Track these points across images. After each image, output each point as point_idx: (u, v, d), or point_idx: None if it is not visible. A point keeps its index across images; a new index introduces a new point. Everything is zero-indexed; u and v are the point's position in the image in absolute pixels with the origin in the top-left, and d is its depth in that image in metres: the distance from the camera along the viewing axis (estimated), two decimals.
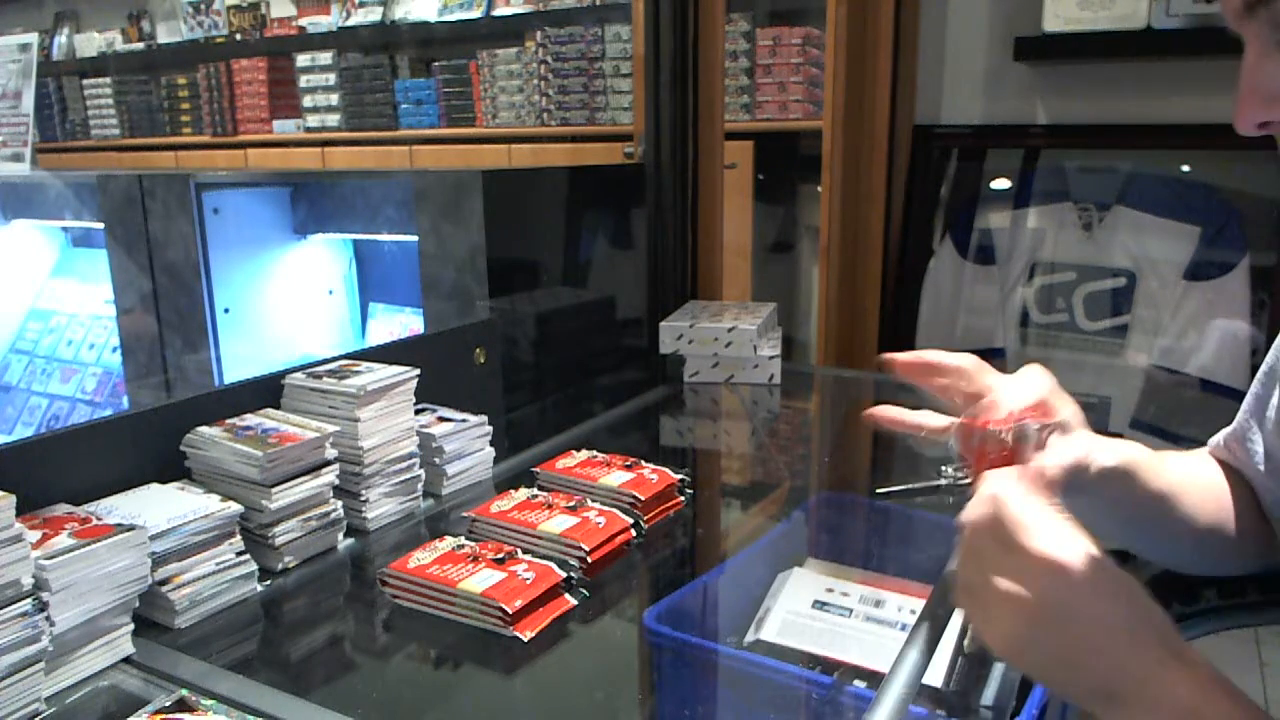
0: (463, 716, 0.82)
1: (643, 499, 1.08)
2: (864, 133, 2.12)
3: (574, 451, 1.21)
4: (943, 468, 1.12)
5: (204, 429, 1.01)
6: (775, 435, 1.57)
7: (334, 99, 3.85)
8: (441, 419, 1.19)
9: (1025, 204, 2.07)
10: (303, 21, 3.93)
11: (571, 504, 1.05)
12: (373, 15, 3.74)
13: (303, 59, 3.89)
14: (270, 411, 1.09)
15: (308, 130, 3.93)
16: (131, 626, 0.83)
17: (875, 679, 0.72)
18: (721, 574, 0.98)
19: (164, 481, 0.98)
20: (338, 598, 0.99)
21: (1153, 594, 0.94)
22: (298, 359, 1.31)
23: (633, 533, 1.03)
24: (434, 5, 3.61)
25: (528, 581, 0.89)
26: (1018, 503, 0.57)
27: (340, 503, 1.04)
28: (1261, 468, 0.86)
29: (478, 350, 1.40)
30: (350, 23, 3.79)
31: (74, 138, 4.69)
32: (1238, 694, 0.52)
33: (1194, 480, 0.86)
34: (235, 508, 0.93)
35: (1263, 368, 0.87)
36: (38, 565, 0.75)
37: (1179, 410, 1.89)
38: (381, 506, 1.10)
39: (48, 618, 0.75)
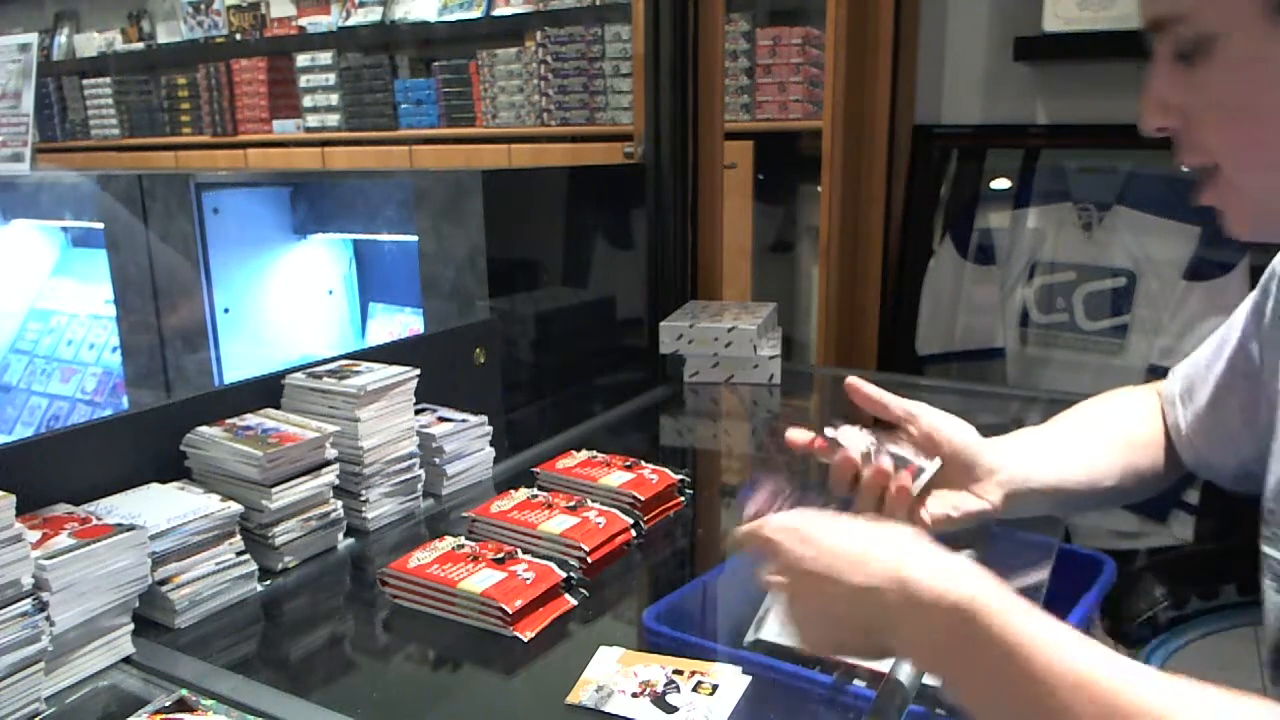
0: (463, 716, 0.82)
1: (643, 499, 1.08)
2: (864, 133, 2.12)
3: (574, 451, 1.21)
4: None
5: (204, 429, 1.01)
6: (775, 435, 1.57)
7: (334, 99, 3.85)
8: (441, 419, 1.19)
9: (1025, 204, 2.07)
10: (303, 21, 3.93)
11: (571, 504, 1.05)
12: (373, 15, 3.74)
13: (303, 59, 3.89)
14: (270, 411, 1.09)
15: (308, 130, 3.93)
16: (131, 626, 0.83)
17: (875, 679, 0.72)
18: (721, 574, 0.98)
19: (164, 481, 0.98)
20: (338, 598, 0.99)
21: (1176, 587, 0.97)
22: (298, 359, 1.31)
23: (632, 533, 1.03)
24: (434, 5, 3.60)
25: (528, 581, 0.89)
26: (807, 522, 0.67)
27: (340, 503, 1.04)
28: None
29: (478, 350, 1.40)
30: (350, 23, 3.79)
31: (74, 138, 4.69)
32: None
33: (1116, 449, 0.90)
34: (235, 508, 0.93)
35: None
36: (38, 565, 0.75)
37: None
38: (381, 506, 1.10)
39: (48, 618, 0.75)
